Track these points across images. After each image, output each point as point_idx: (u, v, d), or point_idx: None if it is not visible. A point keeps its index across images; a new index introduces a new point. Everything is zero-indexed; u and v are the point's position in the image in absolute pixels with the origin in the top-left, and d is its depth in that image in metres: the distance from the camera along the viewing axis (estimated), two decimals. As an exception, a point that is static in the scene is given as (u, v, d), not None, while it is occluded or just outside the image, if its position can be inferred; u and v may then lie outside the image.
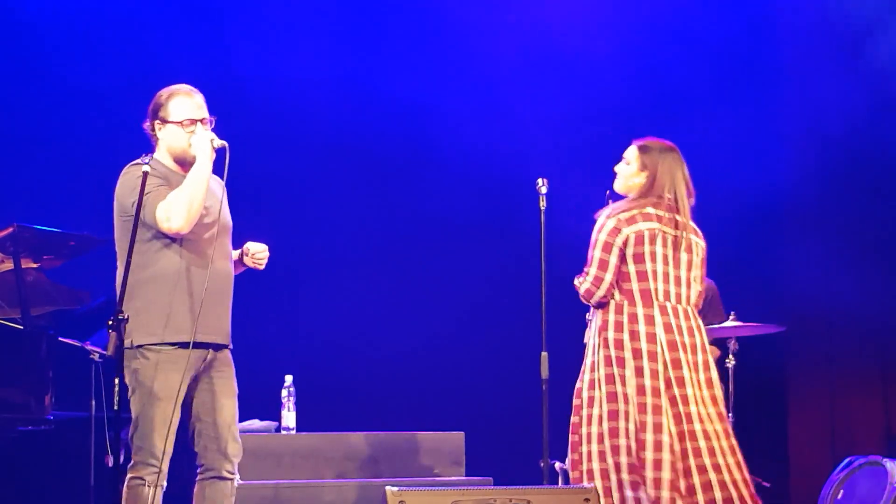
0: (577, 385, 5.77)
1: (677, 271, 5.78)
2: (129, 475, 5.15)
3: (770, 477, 7.84)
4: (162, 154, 5.35)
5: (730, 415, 7.46)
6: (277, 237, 8.20)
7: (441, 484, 6.74)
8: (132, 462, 5.16)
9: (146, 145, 5.33)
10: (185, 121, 5.29)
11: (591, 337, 5.79)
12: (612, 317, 5.72)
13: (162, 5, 8.57)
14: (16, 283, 6.30)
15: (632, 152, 5.88)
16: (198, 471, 5.33)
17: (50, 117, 8.20)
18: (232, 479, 5.35)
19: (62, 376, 6.27)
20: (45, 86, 8.25)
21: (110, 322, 4.88)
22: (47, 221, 6.58)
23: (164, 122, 5.30)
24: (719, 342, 7.75)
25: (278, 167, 8.59)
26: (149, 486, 5.08)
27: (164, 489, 5.20)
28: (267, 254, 5.56)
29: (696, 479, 5.59)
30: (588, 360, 5.76)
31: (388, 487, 5.19)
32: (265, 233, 7.56)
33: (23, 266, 6.38)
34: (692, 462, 5.62)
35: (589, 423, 5.69)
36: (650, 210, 5.76)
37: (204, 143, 5.24)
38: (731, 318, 7.53)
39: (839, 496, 6.93)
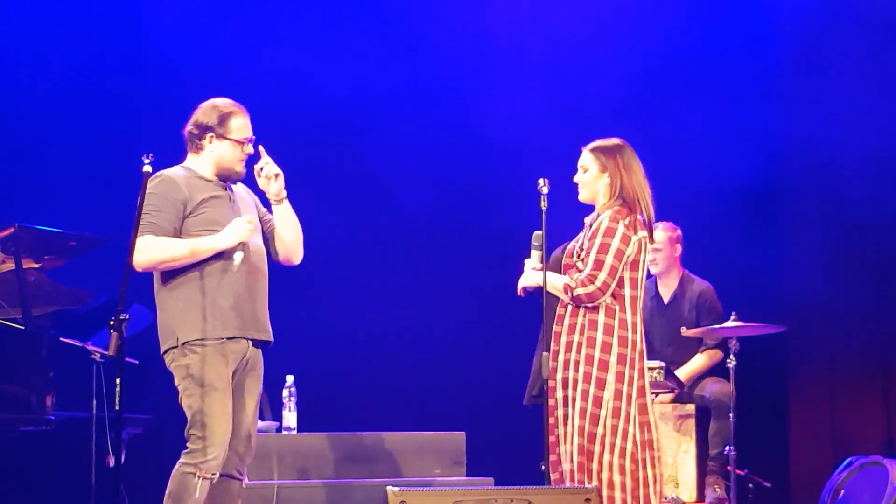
0: (551, 384, 5.76)
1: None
2: (182, 460, 5.23)
3: (771, 477, 7.85)
4: (203, 163, 5.46)
5: (731, 415, 7.47)
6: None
7: (442, 484, 6.75)
8: (188, 449, 5.23)
9: (148, 146, 5.33)
10: (244, 141, 5.45)
11: (566, 333, 5.78)
12: (601, 318, 5.75)
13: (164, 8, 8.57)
14: (17, 284, 6.30)
15: (587, 157, 5.91)
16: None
17: (51, 118, 8.19)
18: (241, 480, 5.42)
19: (63, 376, 6.28)
20: (47, 86, 8.24)
21: (111, 322, 4.91)
22: (48, 222, 6.58)
23: (223, 137, 5.43)
24: (720, 342, 7.75)
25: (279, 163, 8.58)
26: (199, 477, 5.16)
27: (211, 481, 5.27)
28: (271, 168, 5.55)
29: (651, 489, 5.71)
30: (562, 358, 5.76)
31: (389, 488, 5.19)
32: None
33: (24, 266, 6.39)
34: (649, 472, 5.73)
35: (565, 423, 5.72)
36: (639, 217, 5.85)
37: (237, 232, 5.32)
38: (731, 318, 7.53)
39: (840, 496, 6.93)
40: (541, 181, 5.99)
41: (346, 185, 8.75)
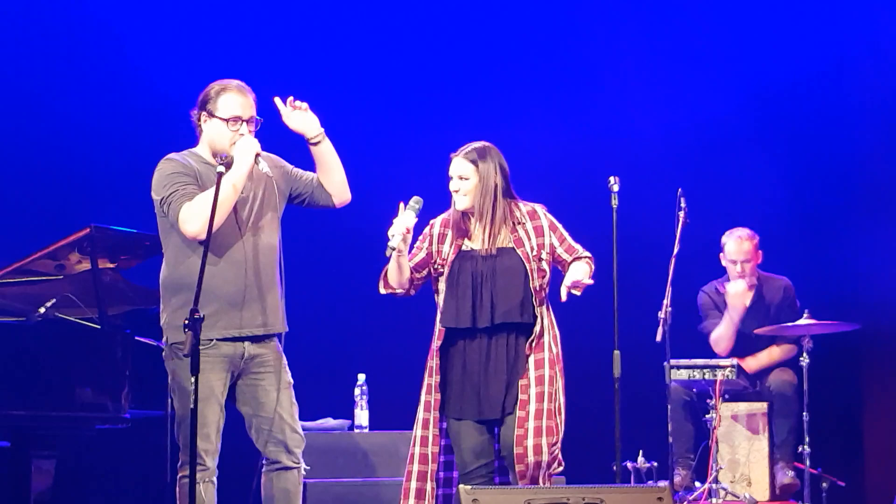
0: (522, 382, 5.61)
1: None
2: (178, 474, 5.24)
3: (845, 476, 7.78)
4: (202, 147, 5.35)
5: (805, 413, 7.42)
6: (347, 237, 8.29)
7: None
8: (180, 462, 5.24)
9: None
10: (230, 119, 5.27)
11: (544, 333, 5.69)
12: (552, 313, 5.76)
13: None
14: (93, 284, 6.37)
15: (466, 167, 5.67)
16: (263, 462, 5.39)
17: (126, 120, 8.28)
18: (297, 468, 5.38)
19: (138, 375, 6.34)
20: (123, 89, 8.32)
21: (186, 321, 4.91)
22: (123, 222, 6.65)
23: (211, 115, 5.28)
24: (794, 340, 7.71)
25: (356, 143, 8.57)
26: (197, 482, 5.09)
27: (216, 485, 5.28)
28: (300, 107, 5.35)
29: None
30: (535, 357, 5.64)
31: (461, 485, 5.19)
32: (330, 233, 7.62)
33: (100, 266, 6.45)
34: None
35: (539, 417, 5.61)
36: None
37: (247, 151, 5.17)
38: (805, 315, 7.49)
39: (916, 497, 6.86)
40: (611, 179, 5.98)
41: (409, 180, 8.73)
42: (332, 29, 8.75)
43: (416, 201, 5.57)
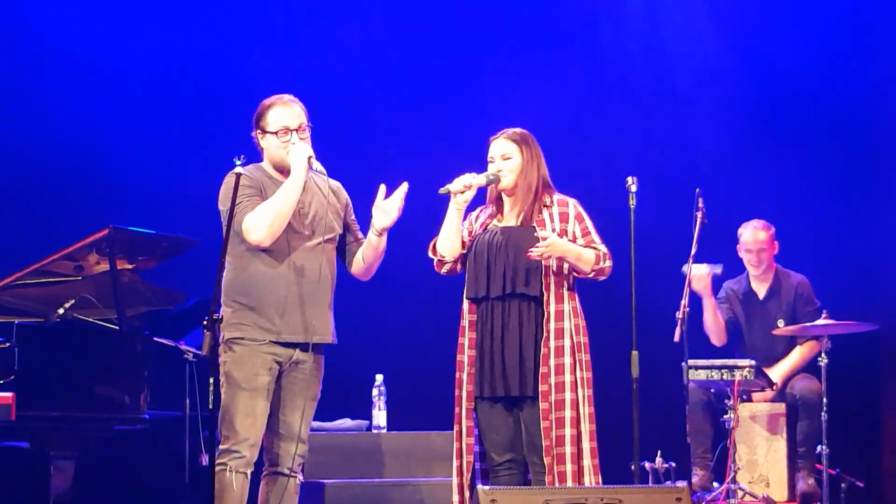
0: (543, 370, 5.60)
1: None
2: (217, 459, 5.29)
3: (864, 477, 7.76)
4: (266, 162, 5.53)
5: (823, 413, 7.39)
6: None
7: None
8: (218, 451, 5.31)
9: (235, 149, 5.40)
10: (279, 131, 5.43)
11: (554, 320, 5.63)
12: (577, 304, 5.75)
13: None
14: (111, 284, 6.40)
15: (510, 146, 5.78)
16: (263, 467, 5.48)
17: (145, 121, 8.30)
18: (295, 478, 5.48)
19: (157, 376, 6.36)
20: (140, 90, 8.35)
21: (204, 322, 4.98)
22: (141, 223, 6.67)
23: (264, 132, 5.48)
24: (814, 339, 7.69)
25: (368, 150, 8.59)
26: (231, 471, 5.25)
27: (248, 476, 5.35)
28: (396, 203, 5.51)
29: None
30: (554, 345, 5.62)
31: (479, 486, 5.19)
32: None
33: (118, 267, 6.47)
34: None
35: (561, 408, 5.64)
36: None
37: (300, 156, 5.35)
38: (823, 315, 7.47)
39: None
40: (629, 179, 5.98)
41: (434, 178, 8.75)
42: (332, 32, 8.76)
43: (493, 174, 5.73)
